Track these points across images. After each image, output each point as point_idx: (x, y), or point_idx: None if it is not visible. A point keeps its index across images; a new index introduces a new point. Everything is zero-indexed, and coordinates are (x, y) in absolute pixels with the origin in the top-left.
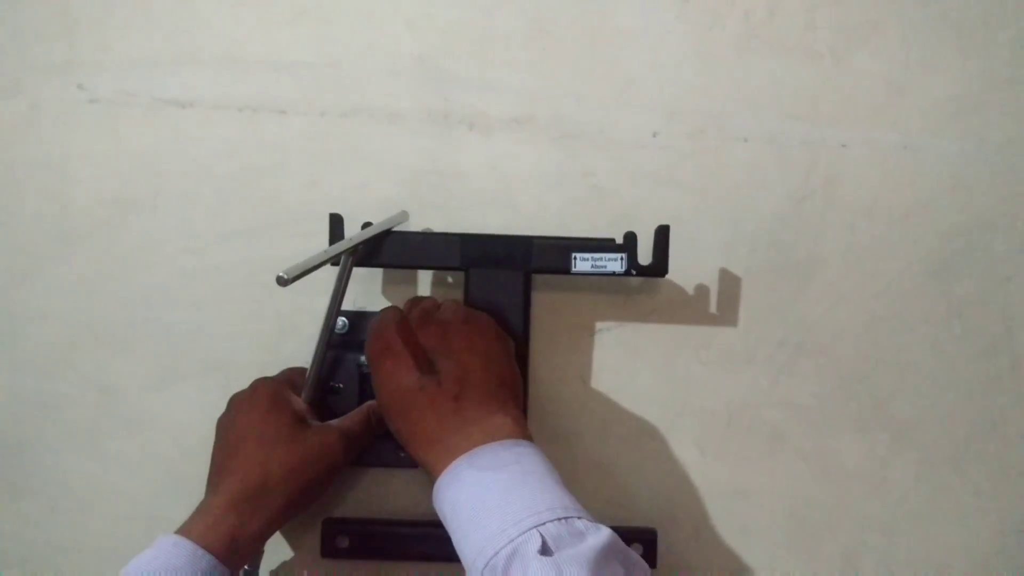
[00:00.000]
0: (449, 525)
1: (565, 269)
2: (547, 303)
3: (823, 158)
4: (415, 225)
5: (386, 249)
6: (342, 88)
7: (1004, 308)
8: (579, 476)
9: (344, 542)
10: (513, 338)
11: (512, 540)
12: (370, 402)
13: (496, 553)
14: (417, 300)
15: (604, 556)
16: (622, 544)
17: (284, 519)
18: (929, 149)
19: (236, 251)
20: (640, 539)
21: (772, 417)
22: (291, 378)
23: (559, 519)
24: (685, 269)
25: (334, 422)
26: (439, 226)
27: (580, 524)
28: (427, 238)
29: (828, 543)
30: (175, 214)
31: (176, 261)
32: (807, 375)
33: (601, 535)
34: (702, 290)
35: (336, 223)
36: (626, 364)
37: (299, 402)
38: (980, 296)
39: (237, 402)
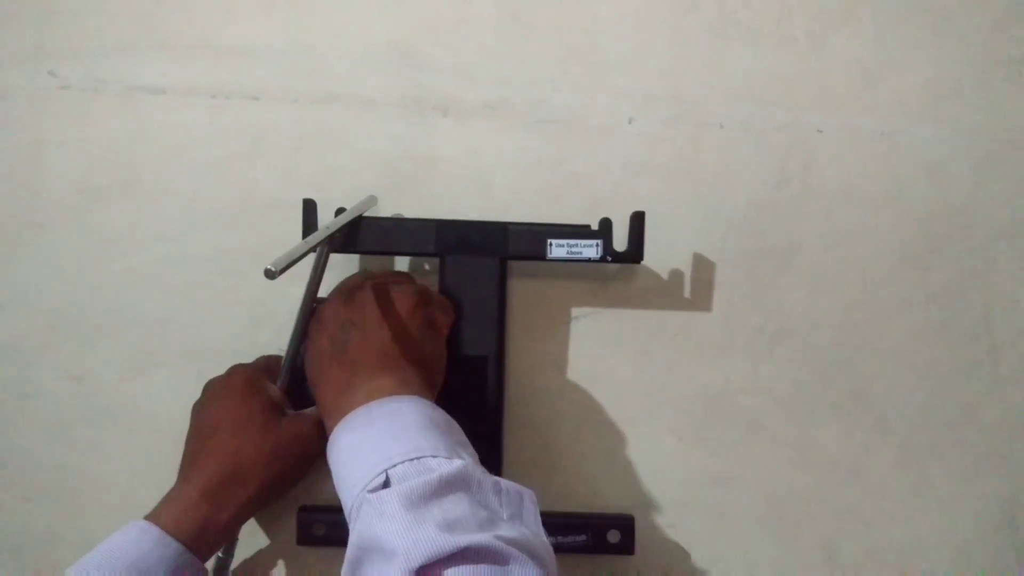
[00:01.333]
0: (336, 489)
1: (541, 255)
2: (523, 290)
3: (799, 144)
4: (389, 212)
5: (361, 236)
6: (316, 74)
7: (982, 294)
8: (556, 463)
9: (320, 530)
10: (491, 325)
11: (365, 487)
12: None
13: (351, 505)
14: (394, 275)
15: (446, 484)
16: (484, 474)
17: (257, 507)
18: (905, 134)
19: (210, 238)
20: (617, 525)
21: (750, 404)
22: (267, 365)
23: (410, 460)
24: (661, 255)
25: (309, 410)
26: (413, 212)
27: (432, 462)
28: (402, 224)
29: (807, 530)
30: (149, 201)
31: (150, 248)
32: (785, 362)
33: (451, 466)
34: (678, 276)
35: (309, 209)
36: (602, 351)
37: (274, 390)
38: (958, 282)
39: (212, 388)
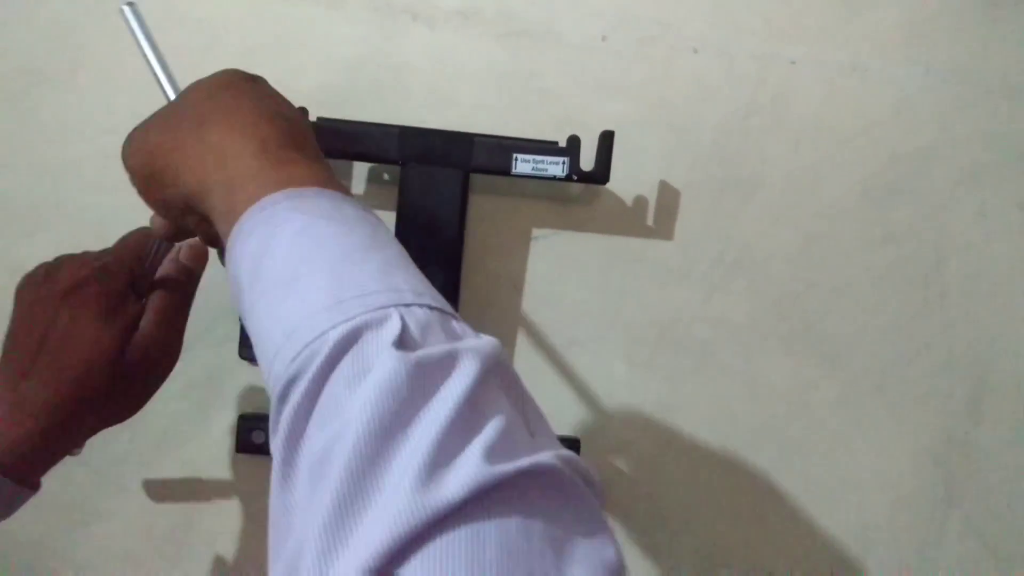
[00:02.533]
0: (244, 293)
1: (505, 170)
2: (484, 207)
3: (772, 74)
4: (351, 115)
5: (321, 138)
6: None
7: (938, 237)
8: None
9: (260, 437)
10: (449, 241)
11: (352, 318)
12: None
13: (322, 334)
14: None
15: (491, 369)
16: (509, 366)
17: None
18: (877, 71)
19: None
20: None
21: (703, 333)
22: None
23: (429, 307)
24: (626, 179)
25: (141, 327)
26: (376, 118)
27: (456, 326)
28: (364, 128)
29: (750, 460)
30: (95, 90)
31: (95, 140)
32: (740, 293)
33: (487, 343)
34: (641, 202)
35: None
36: (560, 273)
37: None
38: (915, 223)
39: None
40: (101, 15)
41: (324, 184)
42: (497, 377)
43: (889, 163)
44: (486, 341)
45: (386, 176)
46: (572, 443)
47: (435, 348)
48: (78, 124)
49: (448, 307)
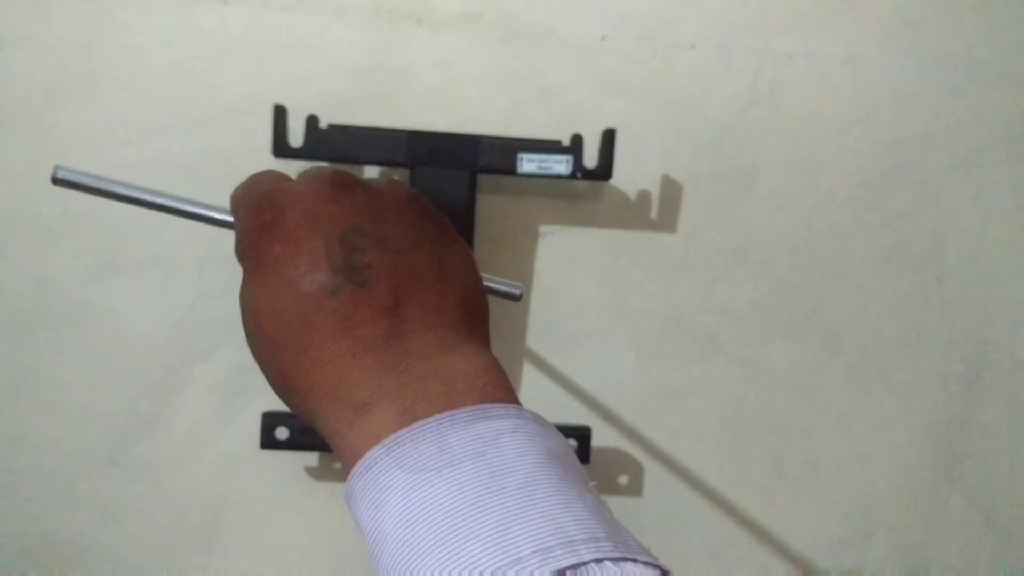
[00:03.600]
0: (373, 555)
1: (511, 169)
2: (492, 205)
3: (769, 67)
4: (359, 121)
5: (334, 144)
6: None
7: (934, 222)
8: (518, 376)
9: (283, 434)
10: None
11: None
12: None
13: None
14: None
15: None
16: None
17: None
18: (871, 62)
19: (175, 143)
20: (574, 435)
21: (708, 322)
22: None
23: (561, 570)
24: (629, 174)
25: None
26: (384, 123)
27: (608, 569)
28: (373, 133)
29: (756, 444)
30: (112, 105)
31: (114, 152)
32: (743, 282)
33: None
34: (644, 196)
35: (280, 115)
36: (568, 268)
37: None
38: (912, 209)
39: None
40: (114, 30)
41: (454, 395)
42: None
43: (885, 151)
44: None
45: (395, 177)
46: (583, 431)
47: None
48: (95, 137)
49: (609, 540)
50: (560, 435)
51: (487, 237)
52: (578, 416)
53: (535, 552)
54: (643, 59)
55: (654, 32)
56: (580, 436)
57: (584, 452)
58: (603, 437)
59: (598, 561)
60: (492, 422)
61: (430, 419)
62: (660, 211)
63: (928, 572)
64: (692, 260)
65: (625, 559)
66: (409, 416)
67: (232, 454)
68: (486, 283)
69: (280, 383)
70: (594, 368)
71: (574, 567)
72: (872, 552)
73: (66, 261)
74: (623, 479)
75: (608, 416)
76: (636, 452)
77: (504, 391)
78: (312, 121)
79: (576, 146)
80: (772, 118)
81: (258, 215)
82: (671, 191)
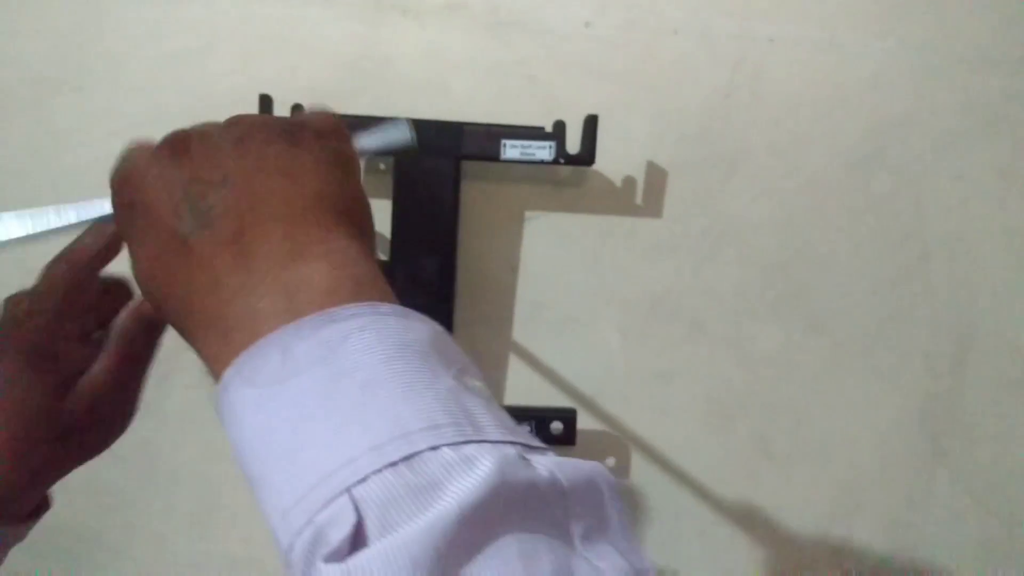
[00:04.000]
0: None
1: (495, 156)
2: (478, 192)
3: (751, 53)
4: (347, 110)
5: None
6: None
7: (917, 203)
8: (506, 358)
9: None
10: (444, 227)
11: (311, 520)
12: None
13: (290, 546)
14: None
15: (472, 520)
16: (528, 450)
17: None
18: (853, 46)
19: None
20: (560, 417)
21: (693, 304)
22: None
23: (393, 463)
24: (613, 160)
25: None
26: (370, 111)
27: (436, 462)
28: (359, 122)
29: (742, 424)
30: (103, 96)
31: (104, 143)
32: (728, 264)
33: (475, 475)
34: (629, 181)
35: (266, 105)
36: (554, 252)
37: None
38: (895, 191)
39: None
40: (104, 22)
41: (336, 286)
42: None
43: (867, 134)
44: (487, 467)
45: (382, 166)
46: (568, 413)
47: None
48: (87, 128)
49: (430, 425)
50: (427, 324)
51: (474, 223)
52: (566, 398)
53: (370, 449)
54: (626, 45)
55: (637, 19)
56: (565, 419)
57: (569, 433)
58: (590, 419)
59: (434, 448)
60: (339, 324)
61: (274, 333)
62: (644, 196)
63: (914, 547)
64: (677, 243)
65: (468, 442)
66: (256, 335)
67: (222, 439)
68: (363, 144)
69: (182, 335)
70: (581, 351)
71: (407, 458)
72: (859, 528)
73: (55, 252)
74: (610, 460)
75: (595, 398)
76: (623, 431)
77: (361, 288)
78: (297, 110)
79: (559, 132)
80: (755, 103)
81: (120, 197)
82: (655, 176)
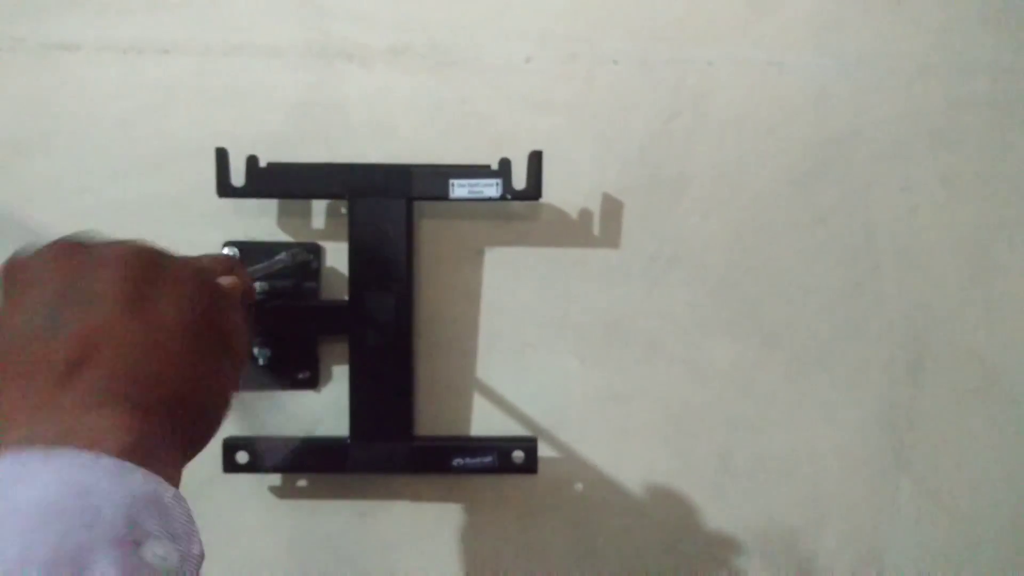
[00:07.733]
0: None
1: (444, 195)
2: (433, 229)
3: (691, 77)
4: (299, 157)
5: (274, 181)
6: (224, 26)
7: (865, 215)
8: (467, 389)
9: (243, 458)
10: (398, 266)
11: None
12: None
13: None
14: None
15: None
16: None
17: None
18: (792, 65)
19: (130, 188)
20: (521, 446)
21: (648, 326)
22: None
23: None
24: (562, 191)
25: None
26: (322, 157)
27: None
28: (310, 169)
29: (703, 442)
30: (69, 154)
31: (74, 200)
32: (680, 285)
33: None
34: (578, 211)
35: (222, 158)
36: (509, 284)
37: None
38: (842, 204)
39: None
40: (66, 85)
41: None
42: None
43: (812, 149)
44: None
45: (343, 210)
46: (529, 441)
47: None
48: (57, 186)
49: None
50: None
51: (430, 259)
52: (527, 424)
53: None
54: (567, 78)
55: (577, 51)
56: (526, 447)
57: (531, 462)
58: (553, 443)
59: None
60: (32, 462)
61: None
62: (595, 224)
63: (881, 556)
64: (628, 268)
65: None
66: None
67: (198, 479)
68: (255, 272)
69: None
70: (540, 376)
71: None
72: (825, 539)
73: None
74: (579, 486)
75: (555, 421)
76: (585, 455)
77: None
78: (252, 161)
79: (504, 169)
80: (698, 125)
81: (4, 288)
82: (605, 204)
